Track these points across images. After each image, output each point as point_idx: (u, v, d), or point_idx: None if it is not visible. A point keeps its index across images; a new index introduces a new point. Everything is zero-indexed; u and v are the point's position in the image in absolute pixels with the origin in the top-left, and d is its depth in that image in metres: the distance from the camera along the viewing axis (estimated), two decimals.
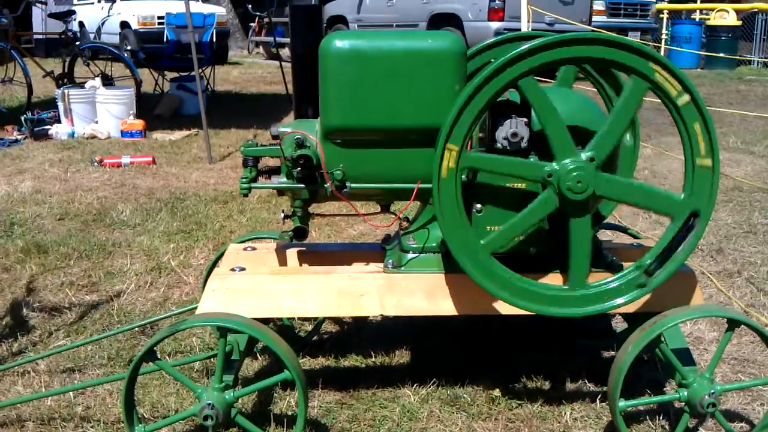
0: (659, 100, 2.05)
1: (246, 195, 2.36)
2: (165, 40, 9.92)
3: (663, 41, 15.93)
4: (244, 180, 2.33)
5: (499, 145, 2.17)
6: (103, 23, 14.10)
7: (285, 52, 12.48)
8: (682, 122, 2.04)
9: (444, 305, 2.30)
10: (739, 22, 15.52)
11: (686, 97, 2.01)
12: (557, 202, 2.08)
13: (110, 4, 15.05)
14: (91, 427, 2.34)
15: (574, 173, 2.03)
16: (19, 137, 7.03)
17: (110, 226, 4.35)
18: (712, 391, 2.08)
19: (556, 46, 1.97)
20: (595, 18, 13.07)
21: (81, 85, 7.85)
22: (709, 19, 16.17)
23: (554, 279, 2.28)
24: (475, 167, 2.13)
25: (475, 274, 2.11)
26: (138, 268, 3.66)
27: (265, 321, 2.42)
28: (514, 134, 2.15)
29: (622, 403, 2.09)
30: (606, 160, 2.08)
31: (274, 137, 2.34)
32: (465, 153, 2.04)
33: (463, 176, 2.13)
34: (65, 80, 8.41)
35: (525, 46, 1.96)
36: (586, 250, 2.14)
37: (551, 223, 2.24)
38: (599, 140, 2.06)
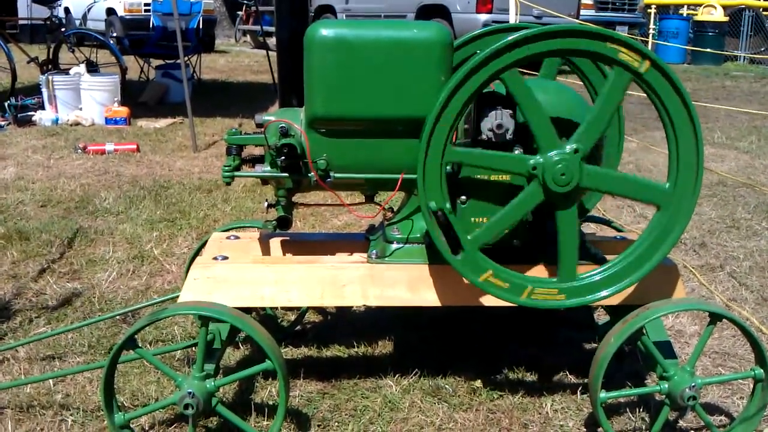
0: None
1: (228, 183, 2.34)
2: (151, 27, 9.86)
3: (650, 36, 15.98)
4: (226, 168, 2.32)
5: (484, 136, 2.16)
6: (89, 9, 13.96)
7: (272, 41, 12.42)
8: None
9: (427, 296, 2.29)
10: (726, 18, 15.60)
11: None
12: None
13: None
14: (71, 415, 2.33)
15: (558, 165, 2.03)
16: (3, 123, 6.96)
17: (93, 213, 4.32)
18: (693, 384, 2.09)
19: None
20: (582, 12, 13.09)
21: (66, 72, 7.78)
22: (696, 14, 16.24)
23: (538, 271, 2.29)
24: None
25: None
26: (120, 256, 3.64)
27: (248, 310, 2.41)
28: (499, 126, 2.15)
29: (603, 395, 2.10)
30: (591, 152, 2.08)
31: (259, 126, 2.32)
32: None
33: (447, 168, 2.12)
34: (50, 66, 8.34)
35: (509, 38, 1.95)
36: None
37: (535, 215, 2.25)
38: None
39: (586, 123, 2.06)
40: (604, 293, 2.16)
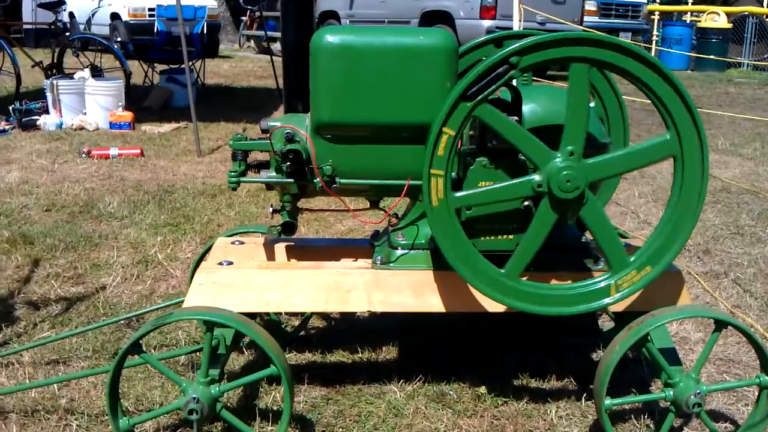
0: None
1: (234, 189, 2.35)
2: (155, 32, 9.87)
3: (654, 42, 15.98)
4: (232, 173, 2.32)
5: (489, 142, 2.17)
6: (93, 14, 13.99)
7: (276, 46, 12.44)
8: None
9: (432, 302, 2.29)
10: (730, 25, 15.60)
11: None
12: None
13: None
14: (75, 419, 2.33)
15: (566, 172, 2.01)
16: (7, 127, 6.97)
17: (97, 218, 4.33)
18: (698, 391, 2.08)
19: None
20: (586, 18, 13.08)
21: (70, 76, 7.79)
22: (699, 21, 16.24)
23: (543, 278, 2.28)
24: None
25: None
26: (124, 261, 3.64)
27: (252, 315, 2.41)
28: None
29: (608, 402, 2.10)
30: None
31: (264, 131, 2.33)
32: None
33: (453, 174, 2.12)
34: (54, 71, 8.35)
35: (521, 42, 1.95)
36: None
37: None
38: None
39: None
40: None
